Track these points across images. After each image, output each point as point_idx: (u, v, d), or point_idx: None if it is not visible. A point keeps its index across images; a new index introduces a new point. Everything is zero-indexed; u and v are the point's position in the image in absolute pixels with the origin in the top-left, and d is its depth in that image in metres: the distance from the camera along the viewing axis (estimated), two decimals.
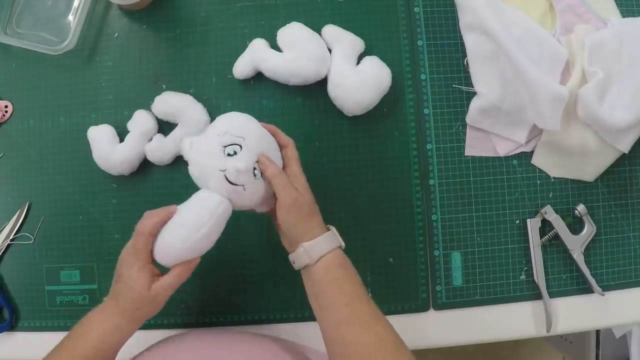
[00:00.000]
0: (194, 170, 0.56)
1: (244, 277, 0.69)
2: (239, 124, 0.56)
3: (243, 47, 0.69)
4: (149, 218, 0.54)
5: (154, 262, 0.54)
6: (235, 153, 0.54)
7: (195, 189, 0.66)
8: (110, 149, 0.66)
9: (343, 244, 0.56)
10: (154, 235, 0.53)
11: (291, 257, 0.55)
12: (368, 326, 0.50)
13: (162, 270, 0.55)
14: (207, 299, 0.67)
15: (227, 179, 0.53)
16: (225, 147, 0.54)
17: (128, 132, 0.67)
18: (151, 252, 0.53)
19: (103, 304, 0.54)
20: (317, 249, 0.54)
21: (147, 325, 0.68)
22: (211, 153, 0.54)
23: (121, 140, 0.67)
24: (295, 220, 0.54)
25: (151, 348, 0.57)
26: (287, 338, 0.66)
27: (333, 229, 0.56)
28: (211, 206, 0.54)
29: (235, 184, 0.53)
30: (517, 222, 0.70)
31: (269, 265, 0.69)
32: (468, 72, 0.70)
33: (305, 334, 0.68)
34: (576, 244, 0.69)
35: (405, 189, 0.70)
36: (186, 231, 0.53)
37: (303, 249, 0.54)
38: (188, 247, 0.53)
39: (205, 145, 0.55)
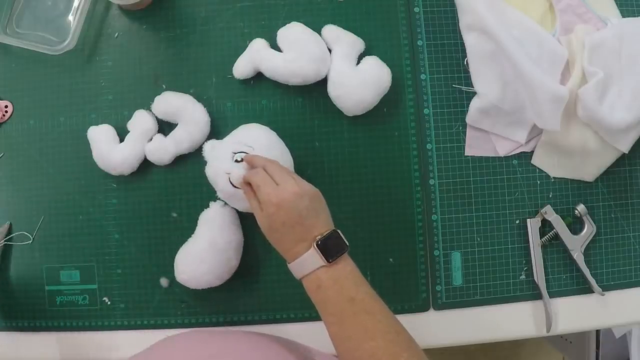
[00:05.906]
0: (208, 171, 0.62)
1: (244, 277, 0.69)
2: (251, 134, 0.63)
3: (243, 47, 0.69)
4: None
5: None
6: (242, 160, 0.59)
7: (194, 189, 0.67)
8: (110, 149, 0.66)
9: (323, 263, 0.51)
10: None
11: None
12: (358, 342, 0.48)
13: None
14: (207, 299, 0.67)
15: (230, 181, 0.59)
16: (234, 153, 0.60)
17: (128, 132, 0.67)
18: None
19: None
20: (297, 271, 0.53)
21: (147, 325, 0.68)
22: (222, 157, 0.60)
23: (121, 140, 0.67)
24: (271, 239, 0.55)
25: (150, 349, 0.56)
26: (287, 338, 0.66)
27: (314, 249, 0.51)
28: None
29: (237, 187, 0.59)
30: (517, 222, 0.70)
31: (269, 265, 0.69)
32: (468, 72, 0.70)
33: (307, 334, 0.67)
34: (576, 244, 0.69)
35: (405, 189, 0.70)
36: None
37: (289, 266, 0.54)
38: None
39: (220, 150, 0.62)
